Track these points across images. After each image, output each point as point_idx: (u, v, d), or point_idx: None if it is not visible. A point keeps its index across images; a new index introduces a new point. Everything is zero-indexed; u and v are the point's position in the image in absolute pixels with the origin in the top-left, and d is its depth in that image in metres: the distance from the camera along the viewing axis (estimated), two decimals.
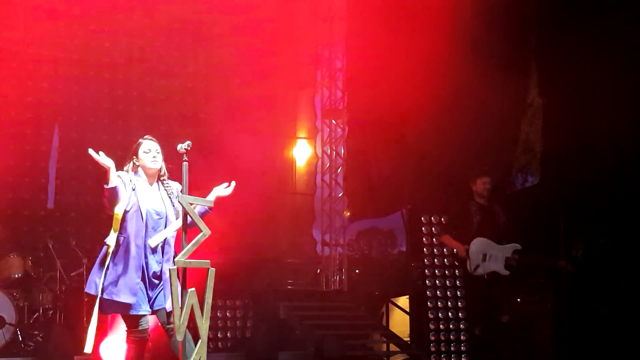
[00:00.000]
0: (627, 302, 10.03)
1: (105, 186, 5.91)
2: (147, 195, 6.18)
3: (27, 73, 12.06)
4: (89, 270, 10.26)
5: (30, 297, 10.35)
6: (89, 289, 6.11)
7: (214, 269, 5.67)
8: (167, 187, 6.24)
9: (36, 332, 10.18)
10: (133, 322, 6.15)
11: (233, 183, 6.27)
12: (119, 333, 8.89)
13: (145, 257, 6.09)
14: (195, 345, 5.57)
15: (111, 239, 6.06)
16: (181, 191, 5.72)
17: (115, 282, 5.98)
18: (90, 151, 5.81)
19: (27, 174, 12.07)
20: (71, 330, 9.98)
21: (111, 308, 6.08)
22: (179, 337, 5.47)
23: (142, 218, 6.07)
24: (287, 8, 13.60)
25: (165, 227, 6.18)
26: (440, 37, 12.07)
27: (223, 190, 6.24)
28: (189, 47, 13.24)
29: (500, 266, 9.21)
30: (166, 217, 6.19)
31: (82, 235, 11.55)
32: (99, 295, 5.96)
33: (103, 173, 5.92)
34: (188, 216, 5.59)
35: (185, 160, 5.69)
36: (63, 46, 12.24)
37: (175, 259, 5.58)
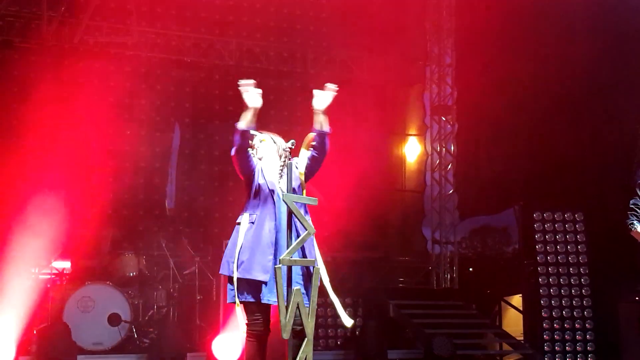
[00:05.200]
0: None
1: (237, 125, 5.75)
2: (272, 173, 5.96)
3: (141, 76, 12.39)
4: (201, 269, 10.53)
5: (144, 295, 10.56)
6: (223, 269, 5.90)
7: (319, 267, 5.67)
8: (288, 162, 5.78)
9: (151, 330, 10.38)
10: (254, 312, 5.83)
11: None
12: (232, 330, 9.04)
13: (277, 240, 5.79)
14: (302, 344, 5.56)
15: (244, 218, 5.87)
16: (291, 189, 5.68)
17: (247, 260, 5.74)
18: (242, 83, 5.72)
19: (143, 175, 12.38)
20: (184, 327, 10.21)
21: (243, 288, 5.76)
22: (285, 336, 5.47)
23: (272, 195, 5.85)
24: (395, 5, 13.54)
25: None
26: (550, 29, 11.85)
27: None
28: (297, 47, 13.30)
29: None
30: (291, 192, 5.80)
31: (194, 234, 11.74)
32: (235, 276, 5.74)
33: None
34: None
35: (290, 159, 5.73)
36: (175, 49, 12.49)
37: (280, 257, 5.57)
